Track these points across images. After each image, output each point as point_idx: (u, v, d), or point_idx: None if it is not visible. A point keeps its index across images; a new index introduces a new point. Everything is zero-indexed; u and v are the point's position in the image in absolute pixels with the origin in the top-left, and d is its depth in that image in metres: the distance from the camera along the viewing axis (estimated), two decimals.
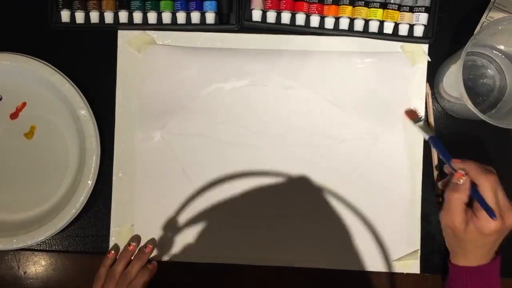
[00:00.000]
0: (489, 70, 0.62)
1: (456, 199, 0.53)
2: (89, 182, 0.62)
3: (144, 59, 0.65)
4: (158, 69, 0.65)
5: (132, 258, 0.62)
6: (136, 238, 0.64)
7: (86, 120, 0.62)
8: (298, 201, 0.64)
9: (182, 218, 0.65)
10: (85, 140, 0.62)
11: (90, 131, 0.62)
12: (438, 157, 0.64)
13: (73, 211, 0.61)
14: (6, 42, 0.66)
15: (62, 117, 0.65)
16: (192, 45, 0.65)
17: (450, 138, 0.64)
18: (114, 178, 0.65)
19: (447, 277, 0.58)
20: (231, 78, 0.65)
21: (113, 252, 0.62)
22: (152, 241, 0.64)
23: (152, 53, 0.65)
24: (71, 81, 0.62)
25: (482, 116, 0.53)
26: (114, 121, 0.65)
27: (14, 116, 0.66)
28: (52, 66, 0.62)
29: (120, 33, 0.65)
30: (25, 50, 0.63)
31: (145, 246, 0.62)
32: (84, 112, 0.62)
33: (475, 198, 0.53)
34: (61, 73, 0.62)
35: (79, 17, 0.64)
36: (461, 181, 0.54)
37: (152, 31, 0.65)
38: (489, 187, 0.52)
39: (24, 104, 0.66)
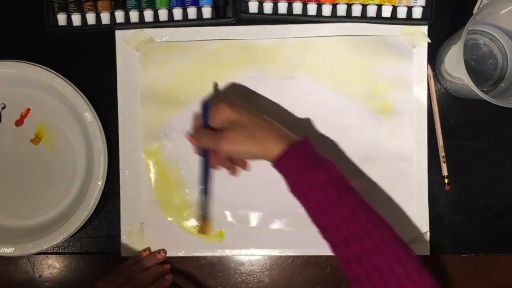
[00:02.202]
0: (491, 49, 0.61)
1: (203, 135, 0.55)
2: (99, 183, 0.62)
3: (143, 57, 0.65)
4: (158, 66, 0.65)
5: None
6: (163, 250, 0.66)
7: (91, 122, 0.62)
8: None
9: (191, 214, 0.65)
10: (91, 142, 0.62)
11: (96, 132, 0.62)
12: (443, 138, 0.63)
13: (86, 212, 0.62)
14: (4, 49, 0.66)
15: (67, 120, 0.66)
16: (190, 39, 0.65)
17: (454, 119, 0.64)
18: (121, 177, 0.65)
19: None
20: (232, 71, 0.64)
21: (147, 252, 0.65)
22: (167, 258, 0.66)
23: (151, 51, 0.65)
24: (73, 85, 0.62)
25: (484, 96, 0.53)
26: (117, 121, 0.65)
27: (19, 123, 0.66)
28: (53, 71, 0.62)
29: (118, 32, 0.65)
30: (23, 56, 0.63)
31: (164, 262, 0.65)
32: (88, 114, 0.62)
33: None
34: (63, 77, 0.62)
35: (76, 19, 0.64)
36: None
37: (149, 29, 0.65)
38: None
39: (28, 110, 0.66)
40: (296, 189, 0.51)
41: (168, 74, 0.65)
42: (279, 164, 0.51)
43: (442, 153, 0.63)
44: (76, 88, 0.62)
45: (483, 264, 0.65)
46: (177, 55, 0.65)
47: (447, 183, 0.64)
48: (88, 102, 0.62)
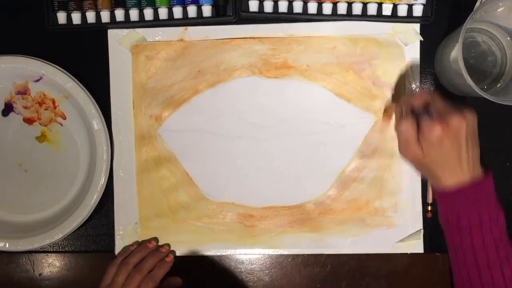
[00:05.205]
0: (489, 46, 0.61)
1: (405, 130, 0.53)
2: (98, 188, 0.62)
3: (136, 57, 0.65)
4: (151, 66, 0.65)
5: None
6: (155, 239, 0.65)
7: (98, 130, 0.62)
8: (299, 188, 0.65)
9: (185, 214, 0.65)
10: (96, 148, 0.62)
11: (101, 140, 0.62)
12: None
13: (80, 218, 0.62)
14: (4, 46, 0.65)
15: (74, 123, 0.66)
16: (183, 38, 0.64)
17: None
18: (114, 178, 0.65)
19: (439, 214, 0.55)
20: (225, 72, 0.65)
21: (136, 246, 0.63)
22: (168, 245, 0.65)
23: (143, 51, 0.65)
24: (85, 89, 0.62)
25: (483, 94, 0.53)
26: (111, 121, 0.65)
27: (27, 118, 0.66)
28: (67, 73, 0.62)
29: (110, 32, 0.65)
30: (23, 53, 0.63)
31: (162, 246, 0.64)
32: (96, 121, 0.62)
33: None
34: (76, 80, 0.62)
35: (76, 17, 0.64)
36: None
37: (142, 29, 0.64)
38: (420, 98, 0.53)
39: (38, 106, 0.66)
40: (467, 223, 0.51)
41: (161, 74, 0.65)
42: (455, 193, 0.52)
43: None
44: (88, 93, 0.62)
45: None
46: (170, 55, 0.65)
47: (429, 210, 0.64)
48: (98, 109, 0.62)
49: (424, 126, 0.51)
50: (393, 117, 0.63)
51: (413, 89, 0.63)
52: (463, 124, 0.51)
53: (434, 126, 0.50)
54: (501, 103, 0.54)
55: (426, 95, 0.54)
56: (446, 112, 0.51)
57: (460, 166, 0.51)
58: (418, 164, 0.54)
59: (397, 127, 0.55)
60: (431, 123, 0.51)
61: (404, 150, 0.54)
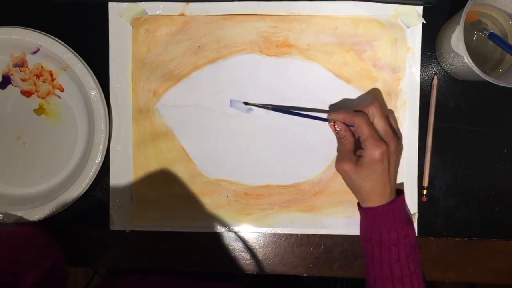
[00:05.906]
0: (491, 30, 0.61)
1: (343, 145, 0.58)
2: (96, 161, 0.62)
3: (136, 30, 0.64)
4: (150, 40, 0.64)
5: None
6: None
7: (96, 102, 0.61)
8: (295, 168, 0.65)
9: (180, 189, 0.65)
10: (94, 120, 0.62)
11: (100, 112, 0.62)
12: (434, 122, 0.63)
13: (79, 190, 0.62)
14: (5, 16, 0.65)
15: (72, 96, 0.65)
16: (184, 13, 0.64)
17: (455, 102, 0.64)
18: (111, 151, 0.65)
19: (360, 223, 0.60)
20: (226, 48, 0.64)
21: None
22: None
23: (143, 24, 0.64)
24: (83, 61, 0.61)
25: (485, 76, 0.53)
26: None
27: (25, 90, 0.66)
28: (64, 44, 0.61)
29: (111, 5, 0.64)
30: (24, 24, 0.62)
31: None
32: (94, 93, 0.61)
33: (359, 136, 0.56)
34: (74, 51, 0.61)
35: None
36: (338, 129, 0.58)
37: (143, 2, 0.64)
38: (362, 123, 0.55)
39: (36, 78, 0.65)
40: (387, 238, 0.56)
41: (161, 48, 0.64)
42: (374, 212, 0.56)
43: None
44: (85, 64, 0.61)
45: (476, 249, 0.65)
46: (171, 29, 0.64)
47: (425, 194, 0.65)
48: (96, 80, 0.62)
49: (368, 145, 0.55)
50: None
51: (414, 72, 0.63)
52: (397, 148, 0.56)
53: (380, 144, 0.54)
54: (504, 85, 0.54)
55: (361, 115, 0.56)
56: (386, 133, 0.56)
57: (389, 187, 0.56)
58: (349, 179, 0.57)
59: (337, 143, 0.59)
60: (377, 141, 0.54)
61: (337, 164, 0.57)
